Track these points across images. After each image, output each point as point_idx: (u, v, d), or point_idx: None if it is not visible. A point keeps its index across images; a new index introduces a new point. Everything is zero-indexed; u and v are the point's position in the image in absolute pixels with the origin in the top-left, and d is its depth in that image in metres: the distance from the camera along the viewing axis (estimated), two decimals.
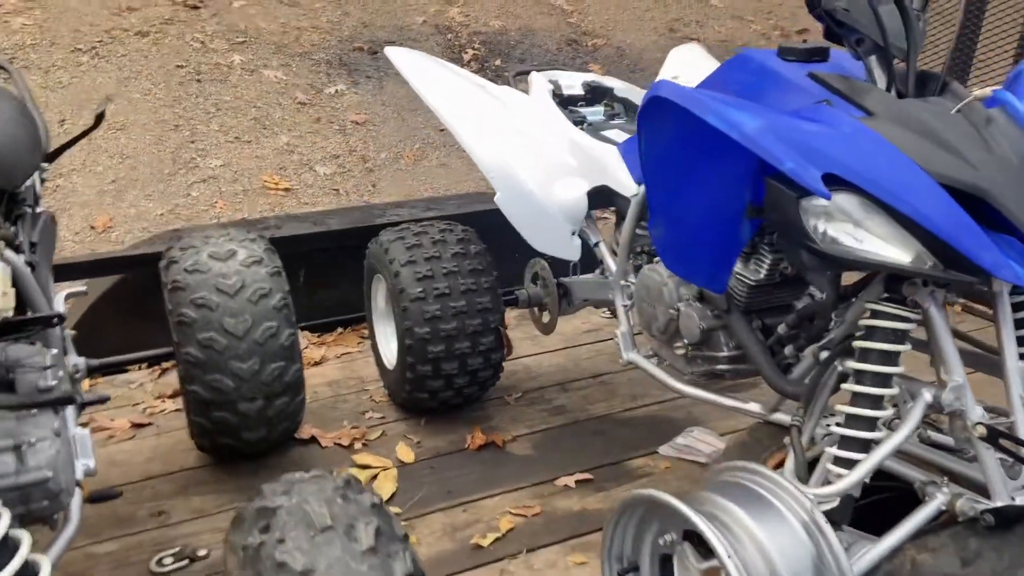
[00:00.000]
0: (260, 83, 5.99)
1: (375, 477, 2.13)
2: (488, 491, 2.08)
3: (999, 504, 1.27)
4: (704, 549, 1.27)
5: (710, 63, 2.63)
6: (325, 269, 2.93)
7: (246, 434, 2.01)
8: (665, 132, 1.46)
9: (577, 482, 2.10)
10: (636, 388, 2.59)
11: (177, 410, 2.37)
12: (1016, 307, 1.38)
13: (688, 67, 2.58)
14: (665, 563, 1.36)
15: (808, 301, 1.81)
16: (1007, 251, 1.19)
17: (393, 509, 1.98)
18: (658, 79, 2.65)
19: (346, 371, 2.71)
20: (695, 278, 1.64)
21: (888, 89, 1.40)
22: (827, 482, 1.35)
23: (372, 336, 2.58)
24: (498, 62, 6.70)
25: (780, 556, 1.17)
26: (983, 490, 1.33)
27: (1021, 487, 1.30)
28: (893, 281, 1.34)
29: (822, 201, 1.25)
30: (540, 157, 2.17)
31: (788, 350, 1.66)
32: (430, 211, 3.13)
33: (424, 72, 2.31)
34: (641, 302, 1.95)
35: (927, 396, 1.33)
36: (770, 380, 1.62)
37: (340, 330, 2.96)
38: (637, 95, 2.47)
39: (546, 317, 2.48)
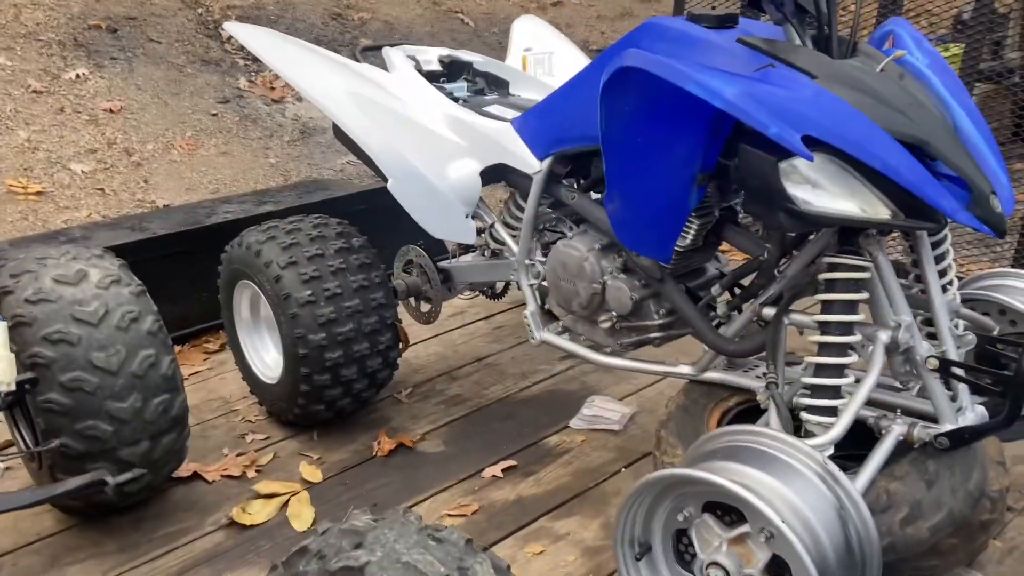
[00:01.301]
0: None
1: (286, 504, 1.89)
2: (416, 497, 1.94)
3: (950, 427, 1.42)
4: (729, 518, 1.28)
5: (554, 33, 2.64)
6: (154, 281, 2.54)
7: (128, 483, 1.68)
8: (630, 102, 1.42)
9: (504, 471, 2.04)
10: (523, 366, 2.56)
11: (8, 468, 1.93)
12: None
13: (537, 40, 2.57)
14: (678, 539, 1.36)
15: (715, 264, 1.89)
16: (955, 196, 1.31)
17: None
18: (509, 52, 2.62)
19: (203, 393, 2.38)
20: (645, 248, 1.63)
21: None
22: (808, 433, 1.42)
23: (236, 350, 2.29)
24: None
25: (811, 511, 1.21)
26: (928, 418, 1.48)
27: (958, 410, 1.47)
28: (847, 233, 1.43)
29: (801, 163, 1.30)
30: (426, 138, 2.04)
31: (720, 310, 1.72)
32: (264, 205, 2.83)
33: (278, 50, 2.06)
34: (558, 279, 1.91)
35: (884, 337, 1.44)
36: (710, 342, 1.67)
37: (180, 348, 2.59)
38: (499, 68, 2.40)
39: (425, 307, 2.36)
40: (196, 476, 1.99)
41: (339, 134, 2.16)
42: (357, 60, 2.28)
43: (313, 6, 6.87)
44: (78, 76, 5.11)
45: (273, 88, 5.68)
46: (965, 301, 1.73)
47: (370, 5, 7.19)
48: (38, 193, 4.40)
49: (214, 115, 5.26)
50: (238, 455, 2.08)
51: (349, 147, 2.13)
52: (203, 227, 2.61)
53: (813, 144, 1.27)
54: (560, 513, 1.89)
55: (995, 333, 1.67)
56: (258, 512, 1.86)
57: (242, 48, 5.89)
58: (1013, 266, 2.80)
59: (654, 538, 1.37)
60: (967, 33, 3.10)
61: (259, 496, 1.92)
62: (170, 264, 2.55)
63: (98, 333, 1.60)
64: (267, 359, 2.23)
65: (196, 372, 2.49)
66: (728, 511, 1.27)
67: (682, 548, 1.36)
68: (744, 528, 1.24)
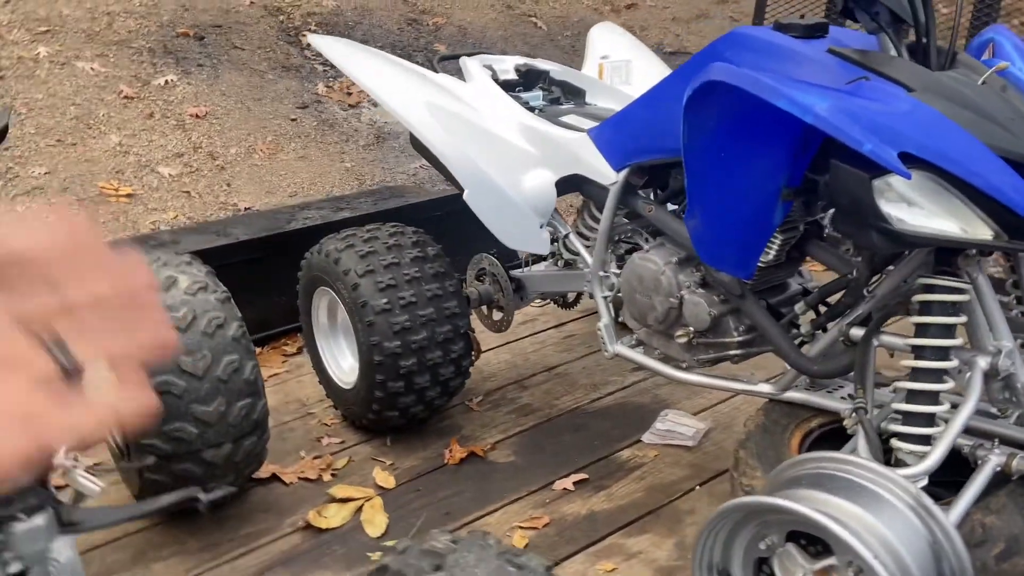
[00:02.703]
0: (75, 77, 5.31)
1: (360, 509, 1.92)
2: (488, 507, 1.94)
3: None
4: (814, 549, 1.24)
5: (631, 41, 2.61)
6: (236, 284, 2.62)
7: (211, 484, 1.73)
8: (715, 116, 1.39)
9: (575, 484, 2.02)
10: (594, 377, 2.54)
11: (97, 464, 2.02)
12: None
13: (614, 48, 2.54)
14: (760, 568, 1.32)
15: (799, 280, 1.83)
16: None
17: (390, 543, 1.81)
18: (585, 60, 2.60)
19: (281, 395, 2.44)
20: (726, 265, 1.59)
21: None
22: (899, 461, 1.36)
23: (314, 355, 2.34)
24: None
25: (903, 546, 1.16)
26: None
27: None
28: (944, 254, 1.37)
29: (897, 181, 1.24)
30: (502, 148, 2.04)
31: (804, 329, 1.67)
32: (342, 211, 2.89)
33: (358, 61, 2.10)
34: (633, 293, 1.88)
35: (983, 363, 1.37)
36: (794, 361, 1.62)
37: (259, 350, 2.66)
38: (575, 77, 2.39)
39: (497, 315, 2.36)
40: (275, 478, 2.04)
41: (416, 144, 2.18)
42: (435, 70, 2.30)
43: (389, 12, 7.00)
44: (167, 82, 5.33)
45: (350, 94, 5.80)
46: None
47: (444, 10, 7.27)
48: (128, 195, 4.61)
49: (293, 120, 5.40)
50: (315, 458, 2.12)
51: (426, 157, 2.15)
52: (283, 232, 2.67)
53: (910, 161, 1.21)
54: (632, 530, 1.86)
55: None
56: (333, 516, 1.90)
57: (321, 54, 6.03)
58: None
59: (733, 565, 1.33)
60: None
61: (334, 500, 1.96)
62: (251, 268, 2.62)
63: (186, 338, 1.65)
64: (343, 365, 2.27)
65: (275, 374, 2.56)
66: (813, 541, 1.23)
67: None
68: (830, 560, 1.20)
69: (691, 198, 1.54)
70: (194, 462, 1.68)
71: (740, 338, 1.74)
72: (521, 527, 1.87)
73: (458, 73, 2.27)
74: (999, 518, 1.36)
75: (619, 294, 1.97)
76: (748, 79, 1.28)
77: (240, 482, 1.84)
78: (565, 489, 2.00)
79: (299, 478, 2.05)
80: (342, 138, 5.40)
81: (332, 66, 6.05)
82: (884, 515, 1.19)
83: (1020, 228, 1.24)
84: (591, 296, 2.06)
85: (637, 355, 1.96)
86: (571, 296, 2.50)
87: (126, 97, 5.18)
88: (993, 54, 1.53)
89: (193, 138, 5.08)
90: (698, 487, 2.00)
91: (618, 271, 1.98)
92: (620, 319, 2.01)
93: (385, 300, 2.00)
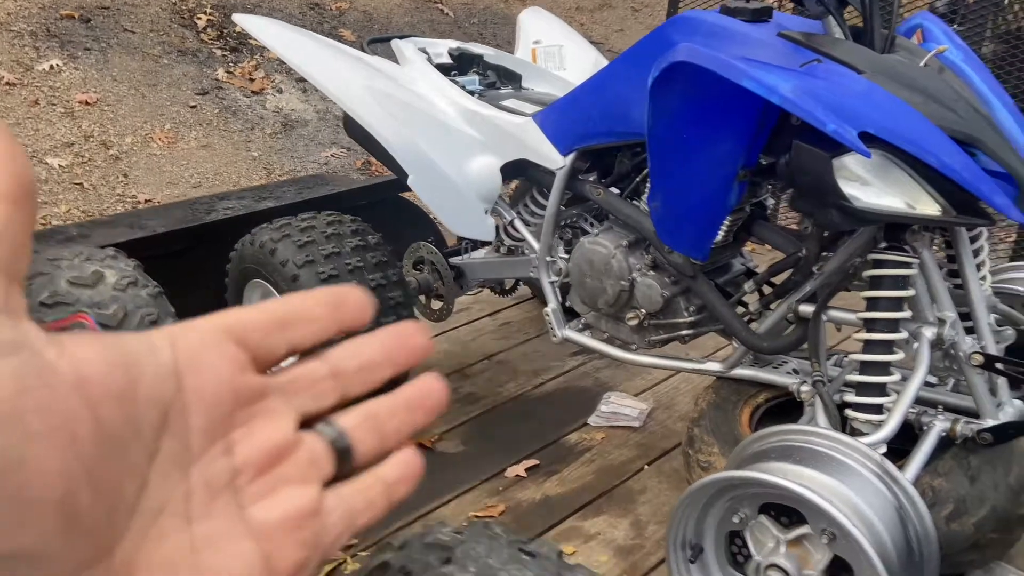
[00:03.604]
0: None
1: None
2: (441, 498, 1.91)
3: (993, 422, 1.43)
4: (786, 519, 1.27)
5: (562, 25, 2.61)
6: (158, 280, 2.47)
7: None
8: (679, 98, 1.39)
9: (527, 470, 2.01)
10: (535, 363, 2.54)
11: None
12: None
13: (545, 32, 2.54)
14: (730, 540, 1.34)
15: (741, 260, 1.88)
16: (1005, 192, 1.31)
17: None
18: (517, 45, 2.58)
19: None
20: (683, 245, 1.61)
21: None
22: (854, 431, 1.42)
23: None
24: (238, 29, 6.10)
25: (873, 512, 1.21)
26: (968, 413, 1.48)
27: (998, 405, 1.47)
28: (892, 230, 1.42)
29: (852, 160, 1.28)
30: (446, 133, 1.99)
31: (752, 307, 1.71)
32: (265, 201, 2.76)
33: (293, 42, 2.00)
34: (583, 277, 1.88)
35: (929, 334, 1.44)
36: (744, 339, 1.66)
37: None
38: (510, 61, 2.37)
39: (437, 304, 2.32)
40: None
41: (351, 129, 2.11)
42: (365, 52, 2.22)
43: None
44: (52, 67, 4.96)
45: (252, 80, 5.57)
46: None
47: None
48: None
49: (193, 107, 5.14)
50: None
51: (362, 142, 2.08)
52: (204, 224, 2.53)
53: (868, 140, 1.26)
54: (588, 512, 1.87)
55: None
56: None
57: (219, 38, 5.76)
58: (1012, 260, 2.84)
59: (706, 540, 1.35)
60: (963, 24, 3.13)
61: None
62: (173, 262, 2.47)
63: None
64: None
65: None
66: (784, 512, 1.26)
67: (735, 550, 1.34)
68: (803, 530, 1.23)
69: (654, 180, 1.54)
70: None
71: (691, 318, 1.77)
72: (478, 516, 1.84)
73: (391, 57, 2.20)
74: (947, 481, 1.43)
75: (566, 279, 1.96)
76: (716, 60, 1.29)
77: None
78: (518, 476, 1.99)
79: None
80: (247, 126, 5.18)
81: (233, 50, 5.79)
82: (853, 483, 1.23)
83: (966, 204, 1.31)
84: (527, 283, 2.05)
85: (586, 339, 1.96)
86: (508, 283, 2.49)
87: (7, 84, 4.80)
88: (922, 39, 1.61)
89: (83, 126, 4.75)
90: (647, 466, 2.03)
91: (565, 256, 1.97)
92: (568, 304, 2.01)
93: None
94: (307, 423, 0.30)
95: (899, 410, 1.36)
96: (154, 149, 4.85)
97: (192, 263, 2.47)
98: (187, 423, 0.26)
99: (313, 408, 0.30)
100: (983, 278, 1.61)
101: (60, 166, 4.56)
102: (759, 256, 2.38)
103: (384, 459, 0.32)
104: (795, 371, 1.75)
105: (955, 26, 3.14)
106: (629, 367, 2.46)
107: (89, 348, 0.24)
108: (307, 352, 0.31)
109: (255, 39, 2.16)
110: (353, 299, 0.32)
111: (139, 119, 4.97)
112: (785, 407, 1.77)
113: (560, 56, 2.46)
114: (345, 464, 0.30)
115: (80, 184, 4.51)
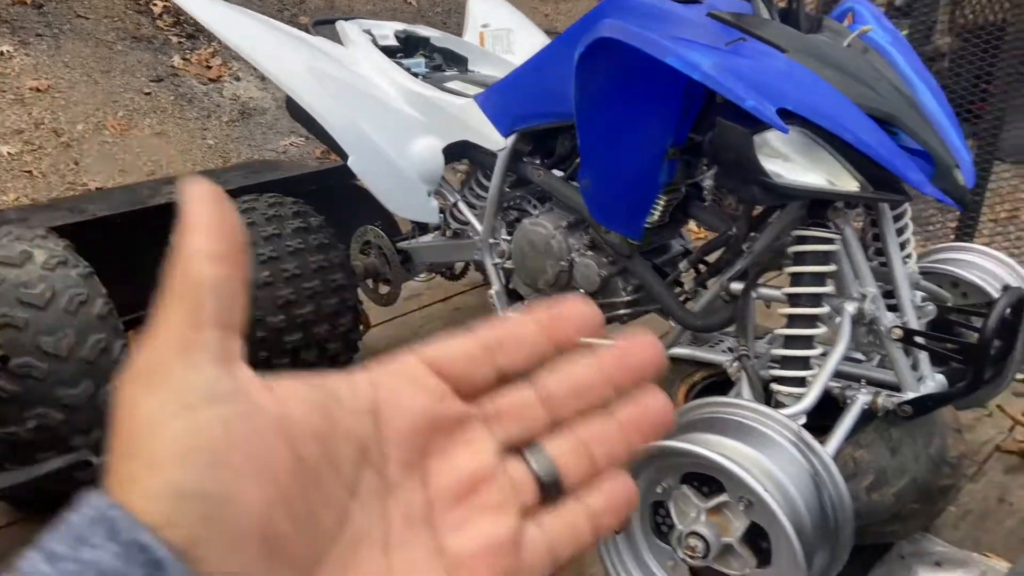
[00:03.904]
0: None
1: None
2: None
3: (913, 395, 1.46)
4: (707, 489, 1.29)
5: (511, 10, 2.61)
6: (99, 265, 2.43)
7: (81, 474, 1.60)
8: (605, 74, 1.41)
9: None
10: None
11: None
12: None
13: (494, 16, 2.54)
14: (655, 511, 1.36)
15: (680, 242, 1.90)
16: (921, 169, 1.34)
17: None
18: (466, 29, 2.58)
19: None
20: (616, 224, 1.63)
21: None
22: (779, 404, 1.45)
23: None
24: None
25: (789, 479, 1.23)
26: (890, 387, 1.52)
27: (919, 379, 1.51)
28: (815, 207, 1.45)
29: (774, 136, 1.30)
30: (387, 114, 1.99)
31: (687, 286, 1.74)
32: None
33: (231, 22, 1.98)
34: (524, 258, 1.89)
35: (851, 308, 1.47)
36: (679, 317, 1.68)
37: (130, 333, 2.49)
38: (457, 44, 2.37)
39: (384, 288, 2.32)
40: None
41: (293, 110, 2.09)
42: (310, 34, 2.21)
43: None
44: (2, 53, 4.85)
45: (209, 67, 5.49)
46: (920, 274, 1.79)
47: None
48: None
49: (147, 94, 5.06)
50: None
51: (304, 123, 2.07)
52: (146, 208, 2.49)
53: (787, 117, 1.28)
54: None
55: (949, 304, 1.73)
56: None
57: (175, 24, 5.67)
58: (956, 241, 2.90)
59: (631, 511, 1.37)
60: (899, 19, 3.19)
61: None
62: (112, 247, 2.44)
63: (46, 317, 1.51)
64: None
65: None
66: (706, 482, 1.29)
67: (659, 520, 1.36)
68: (722, 498, 1.25)
69: (583, 158, 1.56)
70: (62, 450, 1.54)
71: (628, 298, 1.79)
72: None
73: (336, 39, 2.19)
74: (868, 452, 1.47)
75: (509, 261, 1.97)
76: (639, 36, 1.31)
77: None
78: None
79: None
80: (203, 114, 5.11)
81: (189, 37, 5.70)
82: (770, 452, 1.26)
83: (883, 180, 1.33)
84: (478, 265, 2.05)
85: None
86: (458, 268, 2.49)
87: None
88: (853, 21, 1.64)
89: (34, 113, 4.66)
90: None
91: (508, 238, 1.98)
92: (511, 286, 2.02)
93: (267, 273, 1.91)
94: (516, 448, 0.30)
95: (819, 382, 1.39)
96: (106, 137, 4.77)
97: (135, 248, 2.44)
98: (385, 457, 0.27)
99: (520, 435, 0.30)
100: (908, 256, 1.65)
101: (9, 154, 4.46)
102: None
103: (594, 485, 0.30)
104: (730, 349, 1.78)
105: (909, 20, 3.21)
106: None
107: (294, 390, 0.26)
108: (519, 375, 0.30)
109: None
110: (574, 313, 0.30)
111: (91, 106, 4.88)
112: (722, 384, 1.79)
113: (508, 40, 2.46)
114: (553, 492, 0.29)
115: (29, 172, 4.42)
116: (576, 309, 0.30)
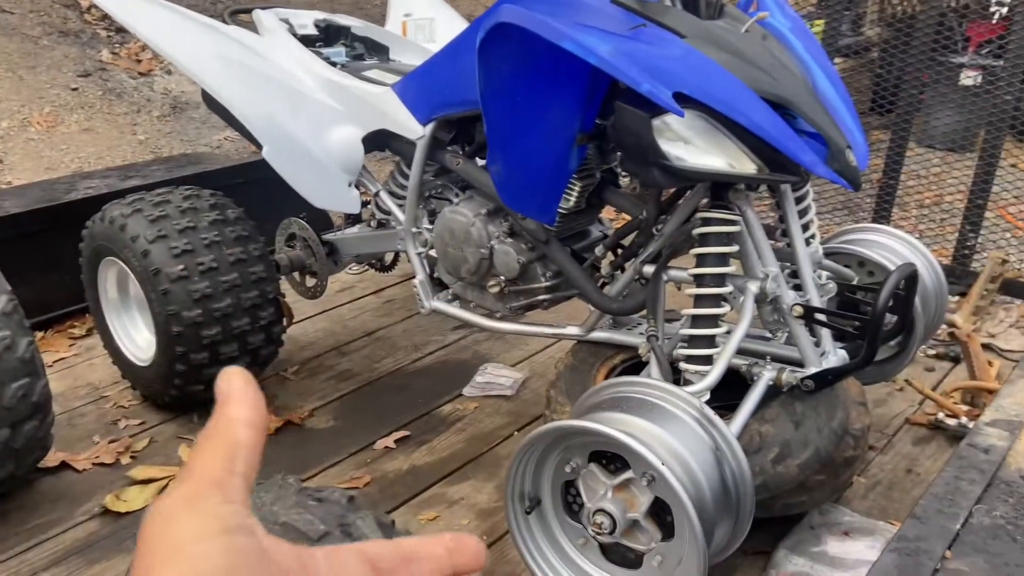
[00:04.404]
0: None
1: (164, 489, 1.80)
2: (306, 473, 1.89)
3: (815, 370, 1.51)
4: (613, 466, 1.31)
5: None
6: (10, 263, 2.36)
7: None
8: (507, 60, 1.41)
9: (396, 441, 2.02)
10: (415, 338, 2.54)
11: None
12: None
13: (417, 5, 2.53)
14: (566, 490, 1.38)
15: (599, 227, 1.93)
16: (815, 151, 1.38)
17: None
18: (388, 18, 2.57)
19: (69, 380, 2.23)
20: (529, 211, 1.64)
21: None
22: (686, 382, 1.48)
23: (105, 332, 2.16)
24: None
25: (690, 454, 1.26)
26: (795, 363, 1.57)
27: (822, 354, 1.56)
28: (718, 189, 1.49)
29: (673, 120, 1.33)
30: (303, 104, 1.97)
31: (604, 270, 1.76)
32: (130, 180, 2.67)
33: (139, 12, 1.93)
34: (445, 246, 1.89)
35: (753, 288, 1.51)
36: (596, 301, 1.71)
37: (42, 335, 2.42)
38: (378, 33, 2.35)
39: (311, 281, 2.30)
40: (65, 466, 1.87)
41: (210, 102, 2.06)
42: (226, 23, 2.17)
43: None
44: None
45: (139, 61, 5.36)
46: (828, 255, 1.84)
47: None
48: None
49: (74, 89, 4.91)
50: (111, 442, 1.97)
51: (221, 115, 2.04)
52: (62, 204, 2.43)
53: (683, 101, 1.30)
54: (454, 479, 1.89)
55: (855, 283, 1.78)
56: (134, 498, 1.77)
57: (104, 18, 5.52)
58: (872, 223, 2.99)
59: (543, 491, 1.39)
60: (828, 10, 3.28)
61: (135, 482, 1.83)
62: (27, 245, 2.37)
63: None
64: (138, 340, 2.12)
65: (61, 359, 2.34)
66: (612, 459, 1.31)
67: (570, 499, 1.38)
68: (627, 474, 1.28)
69: (491, 145, 1.56)
70: None
71: (548, 283, 1.81)
72: (341, 488, 1.84)
73: (252, 29, 2.16)
74: (773, 426, 1.51)
75: (432, 250, 1.97)
76: (536, 21, 1.32)
77: (23, 471, 1.67)
78: (386, 447, 2.00)
79: (93, 464, 1.89)
80: (132, 108, 4.98)
81: (119, 31, 5.55)
82: (673, 428, 1.28)
83: (779, 162, 1.37)
84: (407, 256, 2.05)
85: (454, 309, 1.98)
86: (388, 259, 2.48)
87: None
88: (757, 8, 1.67)
89: None
90: (516, 432, 2.07)
91: (430, 227, 1.98)
92: (436, 275, 2.02)
93: (181, 266, 1.88)
94: None
95: (723, 359, 1.42)
96: (32, 134, 4.62)
97: (49, 245, 2.37)
98: None
99: None
100: (812, 236, 1.70)
101: None
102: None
103: None
104: (647, 330, 1.81)
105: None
106: (508, 338, 2.49)
107: (282, 544, 0.33)
108: None
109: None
110: (470, 547, 0.38)
111: (16, 103, 4.72)
112: (641, 367, 1.82)
113: (431, 29, 2.46)
114: None
115: None
116: (474, 546, 0.38)
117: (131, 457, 1.93)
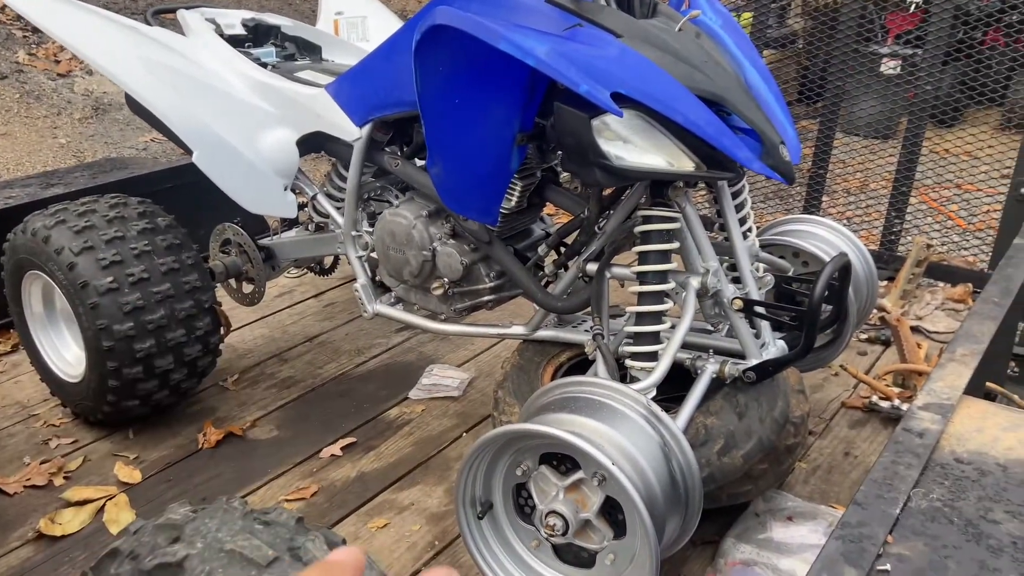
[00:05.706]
0: None
1: (102, 510, 1.74)
2: (250, 486, 1.85)
3: (756, 361, 1.55)
4: (564, 467, 1.32)
5: None
6: None
7: None
8: (444, 62, 1.40)
9: (343, 449, 1.98)
10: (358, 341, 2.50)
11: None
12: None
13: (349, 3, 2.49)
14: (518, 493, 1.38)
15: (541, 226, 1.93)
16: (749, 147, 1.41)
17: None
18: (319, 16, 2.51)
19: None
20: (471, 211, 1.62)
21: None
22: (633, 379, 1.49)
23: (31, 349, 2.06)
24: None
25: (638, 452, 1.27)
26: (736, 355, 1.60)
27: (762, 345, 1.59)
28: (657, 187, 1.50)
29: (612, 120, 1.33)
30: (233, 107, 1.91)
31: (548, 269, 1.76)
32: (53, 188, 2.56)
33: (56, 14, 1.85)
34: (387, 249, 1.87)
35: (695, 283, 1.53)
36: (540, 300, 1.71)
37: None
38: (309, 33, 2.31)
39: (248, 287, 2.24)
40: None
41: (134, 106, 1.98)
42: (149, 24, 2.09)
43: None
44: None
45: (58, 61, 5.14)
46: (764, 246, 1.88)
47: None
48: None
49: None
50: (42, 463, 1.88)
51: (146, 119, 1.96)
52: None
53: (621, 101, 1.31)
54: (403, 484, 1.87)
55: (790, 273, 1.83)
56: (69, 521, 1.70)
57: (19, 18, 5.27)
58: (804, 213, 3.07)
59: (495, 495, 1.39)
60: (755, 2, 3.35)
61: (70, 504, 1.75)
62: None
63: None
64: (67, 356, 2.03)
65: None
66: (563, 460, 1.31)
67: (522, 502, 1.38)
68: (578, 475, 1.28)
69: (431, 146, 1.54)
70: None
71: (491, 284, 1.80)
72: (288, 500, 1.80)
73: (177, 29, 2.09)
74: (718, 419, 1.54)
75: (373, 253, 1.95)
76: (471, 22, 1.30)
77: None
78: (333, 455, 1.96)
79: (24, 486, 1.81)
80: (52, 111, 4.78)
81: (36, 31, 5.30)
82: (621, 426, 1.29)
83: (715, 159, 1.39)
84: (348, 259, 2.01)
85: (397, 312, 1.96)
86: (328, 262, 2.43)
87: None
88: (689, 6, 1.69)
89: None
90: (464, 433, 2.06)
91: (371, 230, 1.95)
92: (378, 279, 1.99)
93: (110, 278, 1.80)
94: None
95: (667, 355, 1.44)
96: None
97: None
98: None
99: None
100: (749, 230, 1.73)
101: None
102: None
103: None
104: (592, 328, 1.82)
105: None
106: (453, 339, 2.48)
107: None
108: None
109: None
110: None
111: None
112: (587, 364, 1.83)
113: (363, 27, 2.42)
114: None
115: None
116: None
117: (64, 478, 1.85)
